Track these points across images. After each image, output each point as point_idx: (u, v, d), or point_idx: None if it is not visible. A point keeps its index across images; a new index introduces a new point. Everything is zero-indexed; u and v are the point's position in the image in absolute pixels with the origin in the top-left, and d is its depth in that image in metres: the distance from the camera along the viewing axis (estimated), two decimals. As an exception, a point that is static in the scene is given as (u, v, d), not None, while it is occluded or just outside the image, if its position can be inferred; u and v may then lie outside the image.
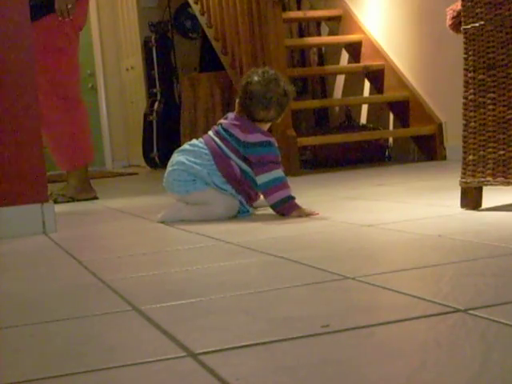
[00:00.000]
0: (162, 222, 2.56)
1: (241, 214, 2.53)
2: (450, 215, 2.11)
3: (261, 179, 2.44)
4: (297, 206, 2.41)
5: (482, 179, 2.10)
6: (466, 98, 2.15)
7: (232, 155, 2.49)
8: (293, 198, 2.43)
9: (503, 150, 2.05)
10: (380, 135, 5.12)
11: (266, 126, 2.54)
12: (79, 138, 4.00)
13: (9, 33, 2.59)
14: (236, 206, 2.51)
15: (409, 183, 3.36)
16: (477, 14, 2.10)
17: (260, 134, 2.48)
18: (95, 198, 4.08)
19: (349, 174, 4.23)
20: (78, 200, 4.00)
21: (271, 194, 2.43)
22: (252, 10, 4.98)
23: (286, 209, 2.42)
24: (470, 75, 2.14)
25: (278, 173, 2.44)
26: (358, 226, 2.07)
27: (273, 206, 2.45)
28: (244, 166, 2.50)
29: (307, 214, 2.38)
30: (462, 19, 2.15)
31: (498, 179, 2.06)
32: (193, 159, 2.53)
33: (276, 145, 2.50)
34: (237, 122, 2.51)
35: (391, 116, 5.27)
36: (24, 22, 2.60)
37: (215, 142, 2.52)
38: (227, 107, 6.01)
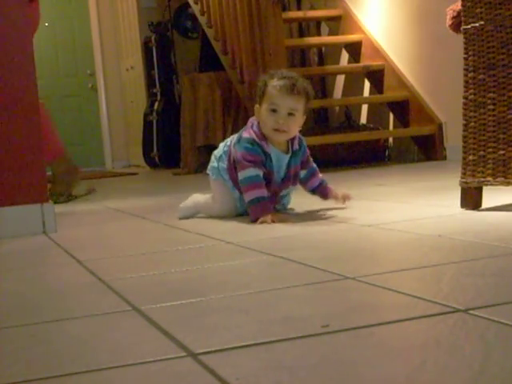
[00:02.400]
0: (185, 218, 2.58)
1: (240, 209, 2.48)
2: (450, 215, 2.11)
3: (238, 177, 2.37)
4: (268, 209, 2.29)
5: (482, 179, 2.10)
6: (466, 97, 2.15)
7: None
8: (263, 199, 2.31)
9: (503, 150, 2.05)
10: (380, 135, 5.12)
11: (280, 136, 2.36)
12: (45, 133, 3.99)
13: (9, 33, 2.59)
14: (233, 204, 2.47)
15: (409, 183, 3.36)
16: (477, 13, 2.10)
17: (247, 131, 2.38)
18: (92, 190, 4.06)
19: (349, 174, 4.23)
20: (76, 196, 3.98)
21: (245, 192, 2.34)
22: (252, 10, 4.98)
23: (255, 210, 2.31)
24: (470, 75, 2.14)
25: (250, 171, 2.32)
26: (358, 226, 2.07)
27: (247, 206, 2.37)
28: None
29: (280, 221, 2.25)
30: (462, 19, 2.15)
31: (498, 179, 2.06)
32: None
33: (260, 144, 2.34)
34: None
35: (391, 116, 5.27)
36: (24, 22, 2.60)
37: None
38: (227, 107, 6.01)
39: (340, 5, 5.67)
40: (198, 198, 2.62)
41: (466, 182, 2.15)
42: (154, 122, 7.53)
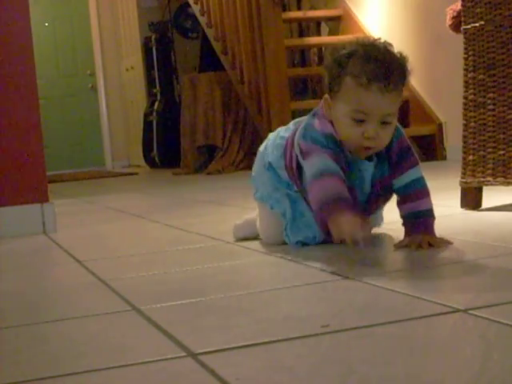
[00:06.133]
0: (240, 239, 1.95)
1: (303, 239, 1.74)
2: (450, 215, 2.11)
3: (305, 172, 1.63)
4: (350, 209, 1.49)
5: (482, 179, 2.10)
6: (466, 98, 2.15)
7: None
8: (343, 200, 1.50)
9: (503, 149, 2.05)
10: (380, 135, 5.12)
11: (368, 153, 1.62)
12: None
13: (9, 33, 2.59)
14: (278, 227, 1.75)
15: (409, 183, 3.35)
16: (477, 13, 2.10)
17: (320, 121, 1.69)
18: None
19: (349, 174, 4.22)
20: None
21: (310, 191, 1.60)
22: (252, 9, 4.98)
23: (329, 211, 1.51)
24: (470, 75, 2.14)
25: (322, 160, 1.59)
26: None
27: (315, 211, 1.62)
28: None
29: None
30: (462, 19, 2.15)
31: (498, 179, 2.06)
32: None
33: (339, 144, 1.61)
34: None
35: (391, 116, 5.27)
36: (24, 21, 2.60)
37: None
38: (227, 107, 6.01)
39: (340, 5, 5.67)
40: (251, 215, 1.94)
41: (465, 182, 2.15)
42: (154, 121, 7.53)
